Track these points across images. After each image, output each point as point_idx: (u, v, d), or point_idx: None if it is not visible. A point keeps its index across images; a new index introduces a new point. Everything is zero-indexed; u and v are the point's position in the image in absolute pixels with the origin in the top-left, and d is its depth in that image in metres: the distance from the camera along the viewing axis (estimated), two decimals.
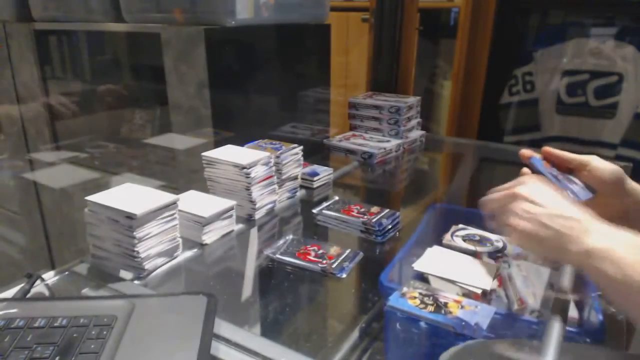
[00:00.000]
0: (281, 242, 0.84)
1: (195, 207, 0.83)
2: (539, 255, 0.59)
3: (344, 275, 0.75)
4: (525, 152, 0.70)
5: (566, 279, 0.55)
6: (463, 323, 0.54)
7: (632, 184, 0.64)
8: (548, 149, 0.69)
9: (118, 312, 0.55)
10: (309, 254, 0.79)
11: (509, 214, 0.56)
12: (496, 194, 0.60)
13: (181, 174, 1.17)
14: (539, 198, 0.54)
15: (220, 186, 0.92)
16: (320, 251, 0.80)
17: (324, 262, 0.77)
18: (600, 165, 0.64)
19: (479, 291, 0.65)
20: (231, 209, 0.86)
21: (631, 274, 0.44)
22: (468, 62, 1.58)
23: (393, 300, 0.58)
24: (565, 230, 0.50)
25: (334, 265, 0.76)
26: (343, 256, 0.79)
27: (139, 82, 1.27)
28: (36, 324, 0.52)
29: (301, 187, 1.06)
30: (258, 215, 0.92)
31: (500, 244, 0.77)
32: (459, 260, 0.73)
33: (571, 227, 0.50)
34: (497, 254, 0.75)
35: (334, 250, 0.80)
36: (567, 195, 0.59)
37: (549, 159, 0.69)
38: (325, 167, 1.13)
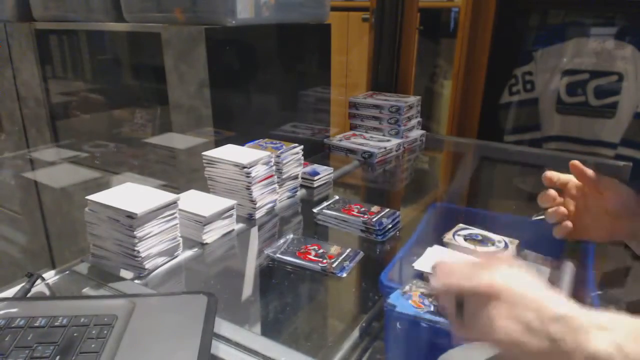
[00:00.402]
0: (281, 241, 0.84)
1: (196, 206, 0.83)
2: None
3: (344, 275, 0.75)
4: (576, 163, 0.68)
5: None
6: None
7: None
8: (576, 164, 0.68)
9: (118, 312, 0.55)
10: (310, 254, 0.79)
11: (484, 315, 0.43)
12: (461, 273, 0.47)
13: (182, 173, 1.17)
14: (522, 294, 0.42)
15: (221, 185, 0.92)
16: (321, 250, 0.80)
17: (324, 261, 0.77)
18: (621, 187, 0.66)
19: None
20: (232, 208, 0.86)
21: None
22: (468, 61, 1.58)
23: (393, 300, 0.58)
24: (560, 336, 0.39)
25: (334, 265, 0.76)
26: (343, 255, 0.79)
27: (140, 81, 1.27)
28: (37, 324, 0.52)
29: (301, 186, 1.06)
30: (258, 214, 0.92)
31: (502, 245, 0.77)
32: (459, 260, 0.73)
33: (565, 331, 0.39)
34: (498, 254, 0.75)
35: (334, 249, 0.81)
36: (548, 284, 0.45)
37: (575, 172, 0.69)
38: (326, 167, 1.13)
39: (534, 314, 0.40)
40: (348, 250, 0.80)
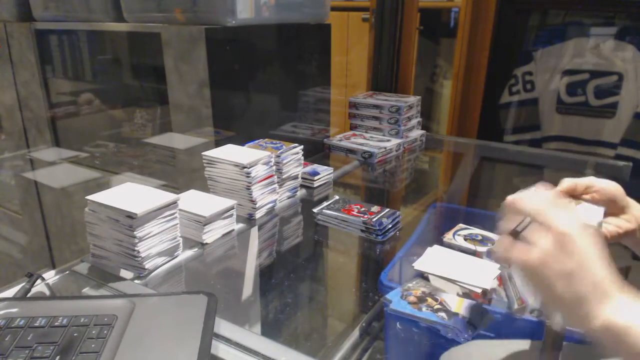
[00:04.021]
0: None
1: (196, 206, 0.83)
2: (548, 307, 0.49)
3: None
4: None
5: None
6: (457, 326, 0.54)
7: (628, 198, 0.60)
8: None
9: (118, 312, 0.55)
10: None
11: (540, 243, 0.45)
12: (530, 206, 0.48)
13: (182, 173, 1.17)
14: (575, 242, 0.44)
15: (221, 185, 0.92)
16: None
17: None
18: (604, 183, 0.60)
19: (479, 290, 0.65)
20: (232, 208, 0.86)
21: None
22: (468, 61, 1.58)
23: (392, 299, 0.58)
24: (583, 294, 0.42)
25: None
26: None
27: (140, 81, 1.27)
28: (37, 324, 0.52)
29: (301, 186, 1.06)
30: (258, 214, 0.92)
31: None
32: (459, 260, 0.73)
33: (590, 291, 0.42)
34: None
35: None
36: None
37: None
38: (326, 167, 1.13)
39: (581, 273, 0.43)
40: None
